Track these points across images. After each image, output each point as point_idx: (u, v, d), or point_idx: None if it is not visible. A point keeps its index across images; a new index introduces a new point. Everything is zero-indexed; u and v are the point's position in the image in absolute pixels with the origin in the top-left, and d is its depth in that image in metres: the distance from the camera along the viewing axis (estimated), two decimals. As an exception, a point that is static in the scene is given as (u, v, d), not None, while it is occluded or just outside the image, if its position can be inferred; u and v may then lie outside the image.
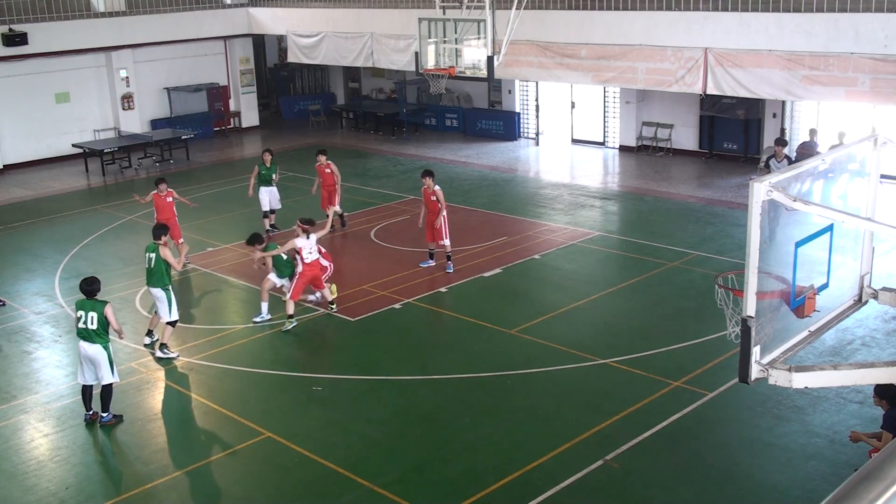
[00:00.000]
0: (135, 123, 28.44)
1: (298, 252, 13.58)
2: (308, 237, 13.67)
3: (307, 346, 13.46)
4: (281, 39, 32.02)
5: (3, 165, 26.22)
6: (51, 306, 15.25)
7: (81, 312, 11.03)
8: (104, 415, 11.15)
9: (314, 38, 27.05)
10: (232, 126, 31.42)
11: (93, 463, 10.52)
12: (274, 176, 18.43)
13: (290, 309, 13.63)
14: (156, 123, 29.03)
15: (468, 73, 19.72)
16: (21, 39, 24.44)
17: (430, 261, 16.12)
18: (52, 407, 11.69)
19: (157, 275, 12.75)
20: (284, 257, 13.94)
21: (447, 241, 15.77)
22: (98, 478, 10.20)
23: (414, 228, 16.84)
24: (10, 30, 24.32)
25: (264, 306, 13.90)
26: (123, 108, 28.32)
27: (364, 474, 9.74)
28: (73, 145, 26.24)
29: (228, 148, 28.91)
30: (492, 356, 12.59)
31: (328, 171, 18.25)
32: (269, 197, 18.40)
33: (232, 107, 31.43)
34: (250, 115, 31.86)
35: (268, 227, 18.18)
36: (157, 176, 18.09)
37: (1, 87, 25.95)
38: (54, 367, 12.90)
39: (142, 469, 10.20)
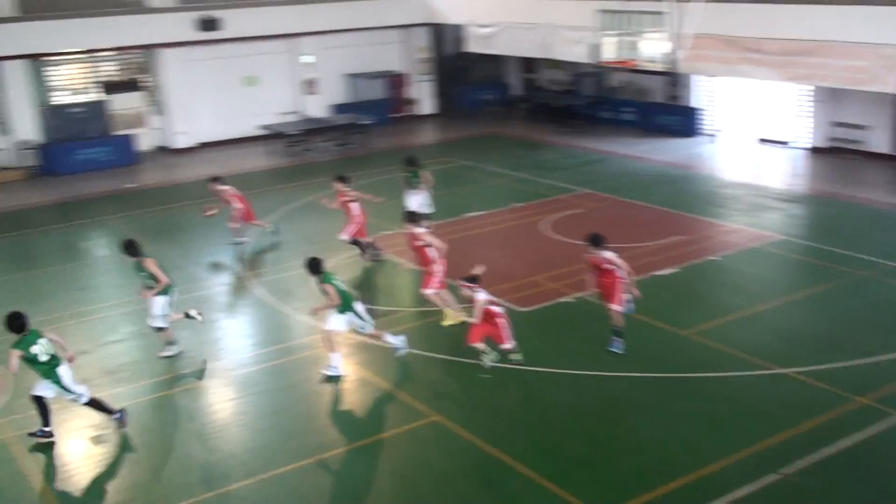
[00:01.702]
0: (318, 108, 29.73)
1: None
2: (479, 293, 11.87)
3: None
4: (458, 29, 32.44)
5: (199, 144, 28.05)
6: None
7: (37, 348, 10.11)
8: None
9: (492, 28, 27.21)
10: (409, 114, 32.11)
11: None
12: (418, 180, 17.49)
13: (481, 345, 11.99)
14: (337, 108, 30.12)
15: (647, 66, 19.31)
16: (214, 25, 26.11)
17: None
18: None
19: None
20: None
21: (618, 306, 12.36)
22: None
23: (588, 222, 16.63)
24: (207, 16, 26.02)
25: (336, 358, 12.11)
26: (307, 93, 29.57)
27: (529, 464, 9.72)
28: (259, 127, 27.57)
29: (404, 135, 29.54)
30: (664, 357, 12.26)
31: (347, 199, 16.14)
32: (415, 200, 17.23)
33: (409, 94, 32.09)
34: (427, 103, 32.46)
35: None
36: (211, 176, 18.70)
37: (198, 70, 27.73)
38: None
39: (292, 447, 10.58)
